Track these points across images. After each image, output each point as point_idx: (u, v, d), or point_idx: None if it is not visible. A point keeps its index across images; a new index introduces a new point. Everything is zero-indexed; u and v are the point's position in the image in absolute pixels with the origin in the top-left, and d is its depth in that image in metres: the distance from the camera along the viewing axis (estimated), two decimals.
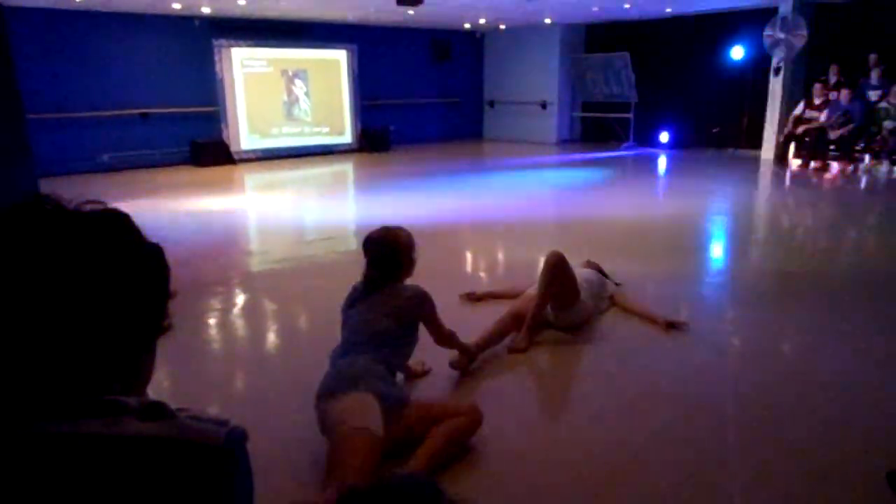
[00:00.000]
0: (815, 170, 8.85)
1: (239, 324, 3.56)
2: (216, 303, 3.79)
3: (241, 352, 3.22)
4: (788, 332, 3.31)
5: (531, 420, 2.49)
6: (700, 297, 3.96)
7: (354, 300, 2.45)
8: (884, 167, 8.63)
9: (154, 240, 0.79)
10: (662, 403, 2.55)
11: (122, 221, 0.75)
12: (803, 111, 9.20)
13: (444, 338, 2.59)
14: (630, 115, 11.62)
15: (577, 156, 10.91)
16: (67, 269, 0.67)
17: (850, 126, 8.70)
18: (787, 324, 3.41)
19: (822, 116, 8.94)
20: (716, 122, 10.99)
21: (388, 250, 2.39)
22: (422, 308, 2.42)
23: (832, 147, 8.97)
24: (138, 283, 0.73)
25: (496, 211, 6.40)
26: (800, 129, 9.12)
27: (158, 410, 0.70)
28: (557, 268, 3.05)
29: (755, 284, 4.21)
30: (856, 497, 1.93)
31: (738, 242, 5.51)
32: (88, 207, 0.74)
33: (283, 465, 2.06)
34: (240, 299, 3.91)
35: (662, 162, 10.25)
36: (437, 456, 2.03)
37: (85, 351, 0.69)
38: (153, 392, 0.78)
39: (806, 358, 3.00)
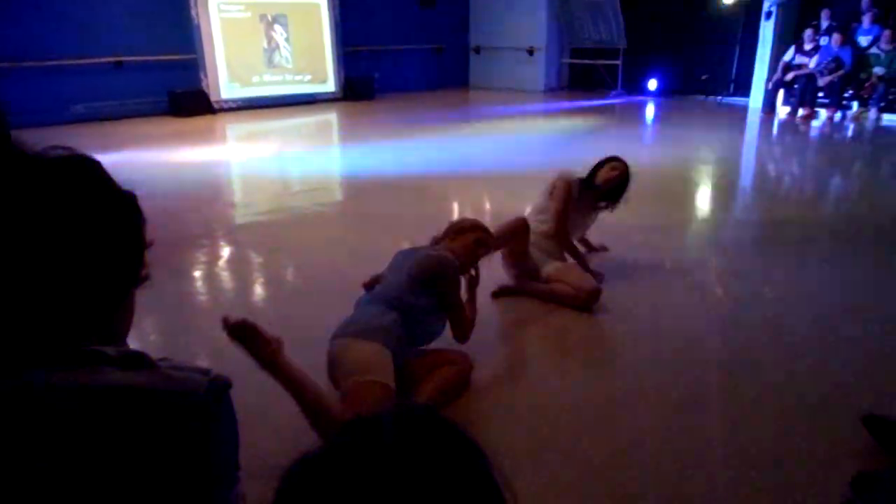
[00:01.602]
0: (803, 118, 8.82)
1: (225, 276, 3.53)
2: (201, 256, 3.75)
3: (227, 304, 3.20)
4: (772, 279, 3.35)
5: (522, 367, 2.52)
6: (684, 246, 3.99)
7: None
8: (871, 114, 8.61)
9: (133, 192, 0.76)
10: (646, 349, 2.58)
11: (91, 166, 0.72)
12: (793, 56, 9.10)
13: (465, 333, 2.28)
14: (618, 62, 11.42)
15: (565, 104, 10.77)
16: (34, 215, 0.64)
17: (840, 72, 8.62)
18: (771, 270, 3.44)
19: (812, 63, 8.84)
20: (705, 70, 10.84)
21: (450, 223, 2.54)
22: (435, 276, 2.17)
23: (821, 94, 8.92)
24: (110, 229, 0.70)
25: (483, 160, 6.32)
26: (789, 76, 9.03)
27: (139, 360, 0.68)
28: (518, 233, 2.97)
29: (740, 232, 4.23)
30: (833, 439, 1.99)
31: (724, 191, 5.52)
32: (52, 153, 0.70)
33: (269, 415, 2.07)
34: (225, 252, 3.87)
35: (650, 110, 10.15)
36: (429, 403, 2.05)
37: (59, 300, 0.66)
38: (138, 344, 0.76)
39: (788, 303, 3.05)
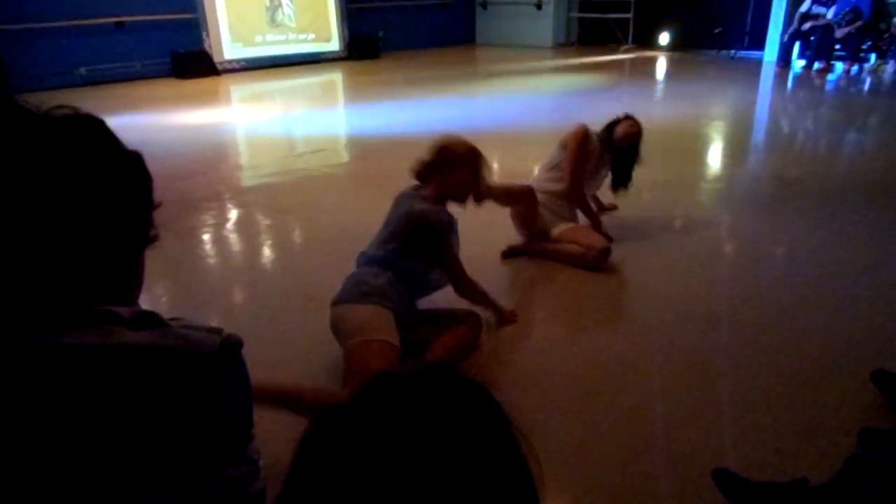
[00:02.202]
0: (819, 71, 8.60)
1: (233, 238, 3.54)
2: (208, 218, 3.75)
3: (236, 265, 3.22)
4: (782, 238, 3.31)
5: (531, 328, 2.53)
6: (695, 203, 3.94)
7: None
8: (890, 67, 8.38)
9: (139, 151, 0.75)
10: (655, 308, 2.58)
11: (96, 125, 0.71)
12: (810, 7, 8.81)
13: (464, 287, 2.23)
14: (629, 16, 11.12)
15: (574, 60, 10.54)
16: (41, 174, 0.64)
17: (858, 23, 8.36)
18: (782, 229, 3.41)
19: (830, 13, 8.57)
20: (718, 23, 10.54)
21: (438, 147, 2.23)
22: (423, 235, 2.08)
23: (838, 46, 8.67)
24: (118, 187, 0.69)
25: (491, 118, 6.23)
26: (806, 25, 8.77)
27: (151, 320, 0.69)
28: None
29: (751, 190, 4.18)
30: (842, 395, 2.00)
31: (736, 147, 5.43)
32: (58, 112, 0.70)
33: (279, 374, 2.10)
34: (232, 214, 3.87)
35: (662, 65, 9.93)
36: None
37: (70, 260, 0.66)
38: (147, 306, 0.76)
39: (800, 262, 3.02)
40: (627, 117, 3.22)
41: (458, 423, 0.47)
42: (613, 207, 3.56)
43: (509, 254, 3.07)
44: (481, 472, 0.45)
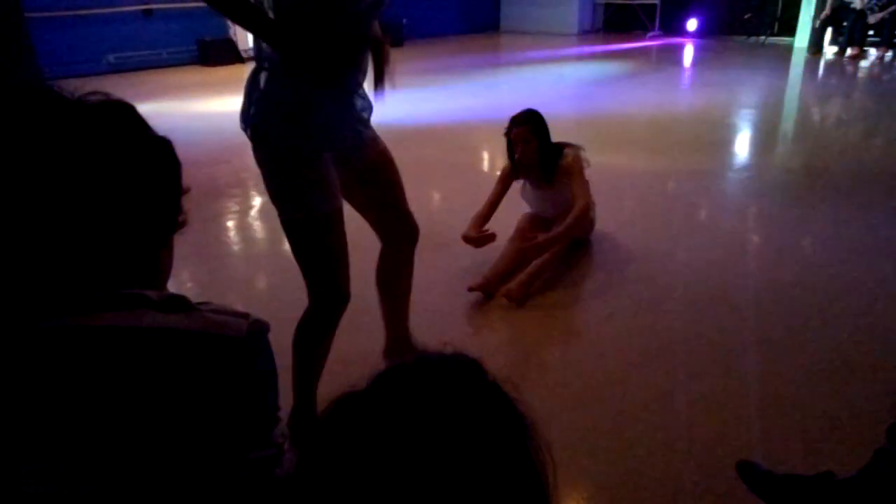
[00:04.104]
0: (852, 58, 8.36)
1: (257, 225, 3.58)
2: (232, 205, 3.79)
3: (260, 251, 3.26)
4: (811, 229, 3.25)
5: (553, 317, 2.52)
6: (722, 193, 3.88)
7: None
8: None
9: (168, 137, 0.76)
10: (680, 300, 2.56)
11: (127, 111, 0.72)
12: None
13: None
14: (656, 2, 10.91)
15: (599, 47, 10.40)
16: (75, 159, 0.65)
17: (892, 8, 8.10)
18: (811, 220, 3.34)
19: None
20: (748, 8, 10.29)
21: None
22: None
23: (871, 32, 8.42)
24: (148, 172, 0.70)
25: (514, 108, 6.17)
26: (838, 11, 8.52)
27: (180, 303, 0.70)
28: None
29: (780, 180, 4.10)
30: (870, 389, 1.96)
31: (765, 137, 5.32)
32: (91, 98, 0.71)
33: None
34: (256, 201, 3.90)
35: (689, 52, 9.74)
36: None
37: (102, 243, 0.67)
38: (174, 291, 0.77)
39: (827, 254, 2.96)
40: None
41: (471, 424, 0.47)
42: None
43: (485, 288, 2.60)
44: (490, 474, 0.46)
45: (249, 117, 1.48)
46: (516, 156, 2.77)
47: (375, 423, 0.47)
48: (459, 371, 0.51)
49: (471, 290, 2.55)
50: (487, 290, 2.58)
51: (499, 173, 2.94)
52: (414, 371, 0.50)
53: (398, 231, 1.84)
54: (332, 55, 1.43)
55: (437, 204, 3.77)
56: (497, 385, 0.51)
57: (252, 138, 1.49)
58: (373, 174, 1.74)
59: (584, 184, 2.77)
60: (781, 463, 1.63)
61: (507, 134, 2.83)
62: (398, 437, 0.46)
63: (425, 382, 0.49)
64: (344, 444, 0.47)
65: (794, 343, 2.21)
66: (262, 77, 1.46)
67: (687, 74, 8.41)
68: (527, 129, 2.76)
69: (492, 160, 4.71)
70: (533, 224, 2.92)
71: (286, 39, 1.39)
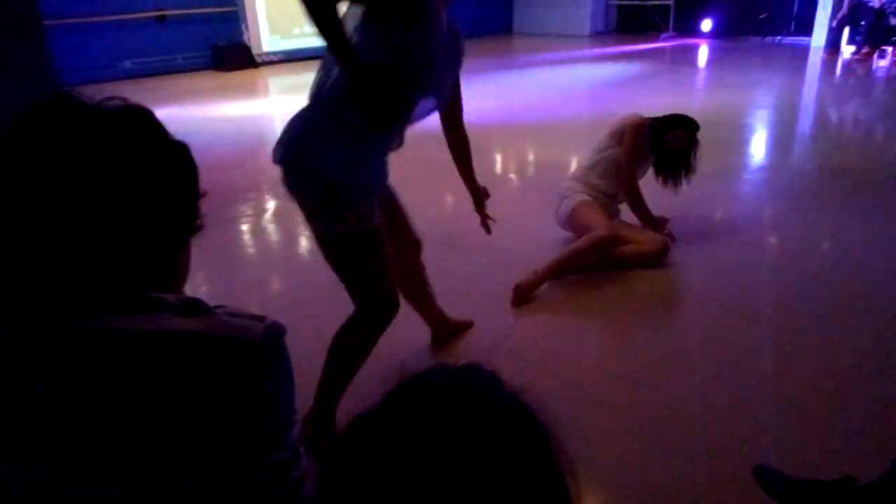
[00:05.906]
0: (870, 58, 8.26)
1: (272, 229, 3.60)
2: (248, 209, 3.82)
3: (275, 254, 3.28)
4: (829, 231, 3.21)
5: (565, 326, 2.51)
6: (738, 195, 3.84)
7: None
8: None
9: (185, 142, 0.77)
10: (698, 303, 2.53)
11: (145, 116, 0.73)
12: None
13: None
14: (670, 2, 10.85)
15: (613, 49, 10.35)
16: (95, 164, 0.66)
17: None
18: (829, 222, 3.30)
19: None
20: (764, 8, 10.20)
21: None
22: None
23: (890, 33, 8.30)
24: (166, 177, 0.71)
25: (528, 110, 6.17)
26: (855, 11, 8.42)
27: (196, 306, 0.70)
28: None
29: (797, 182, 4.05)
30: (889, 394, 1.93)
31: (781, 138, 5.27)
32: (110, 104, 0.72)
33: (320, 361, 2.13)
34: (271, 205, 3.93)
35: (704, 53, 9.68)
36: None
37: (120, 246, 0.68)
38: (190, 294, 0.78)
39: (845, 257, 2.92)
40: (684, 124, 3.01)
41: (490, 440, 0.45)
42: (664, 221, 3.13)
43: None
44: (512, 489, 0.44)
45: (300, 151, 1.60)
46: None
47: (392, 445, 0.46)
48: (477, 384, 0.50)
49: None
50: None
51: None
52: (429, 388, 0.49)
53: (406, 247, 2.02)
54: (395, 105, 1.62)
55: (449, 207, 3.77)
56: (516, 398, 0.50)
57: (298, 169, 1.61)
58: (387, 198, 1.91)
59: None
60: (801, 469, 1.61)
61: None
62: (417, 460, 0.44)
63: (441, 400, 0.48)
64: (362, 468, 0.46)
65: (813, 348, 2.18)
66: (316, 112, 1.66)
67: (702, 75, 8.35)
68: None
69: (505, 162, 4.70)
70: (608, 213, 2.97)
71: (362, 68, 1.53)
